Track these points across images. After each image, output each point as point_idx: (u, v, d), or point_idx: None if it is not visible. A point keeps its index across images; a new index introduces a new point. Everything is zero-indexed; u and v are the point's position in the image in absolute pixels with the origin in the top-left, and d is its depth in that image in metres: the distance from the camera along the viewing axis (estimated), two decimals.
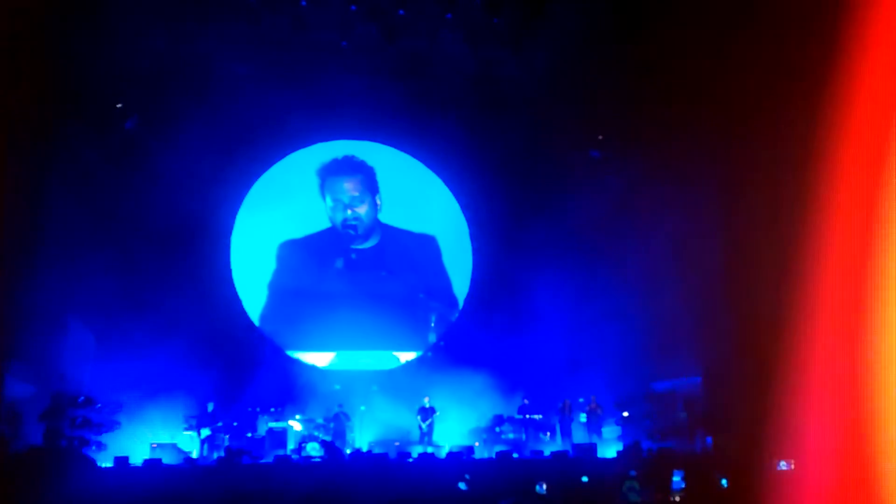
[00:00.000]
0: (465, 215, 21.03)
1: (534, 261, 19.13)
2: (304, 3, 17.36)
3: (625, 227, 18.47)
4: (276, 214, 19.99)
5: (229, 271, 19.59)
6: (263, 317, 19.77)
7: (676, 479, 12.03)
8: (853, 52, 11.94)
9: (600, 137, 19.41)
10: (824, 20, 12.29)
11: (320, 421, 17.06)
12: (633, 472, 12.50)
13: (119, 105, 17.24)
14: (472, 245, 20.97)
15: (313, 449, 15.50)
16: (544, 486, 9.97)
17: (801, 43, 13.18)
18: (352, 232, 20.28)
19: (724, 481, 11.92)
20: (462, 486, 12.71)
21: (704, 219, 16.57)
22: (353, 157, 20.63)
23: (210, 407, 16.25)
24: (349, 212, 20.29)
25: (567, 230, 19.33)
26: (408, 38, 18.44)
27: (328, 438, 16.52)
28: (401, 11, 17.65)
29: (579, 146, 19.47)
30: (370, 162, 20.65)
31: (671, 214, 16.98)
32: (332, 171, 20.46)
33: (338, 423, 16.81)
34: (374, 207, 20.57)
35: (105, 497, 11.82)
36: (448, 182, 21.04)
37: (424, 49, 18.73)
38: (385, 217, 20.73)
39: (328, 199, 20.42)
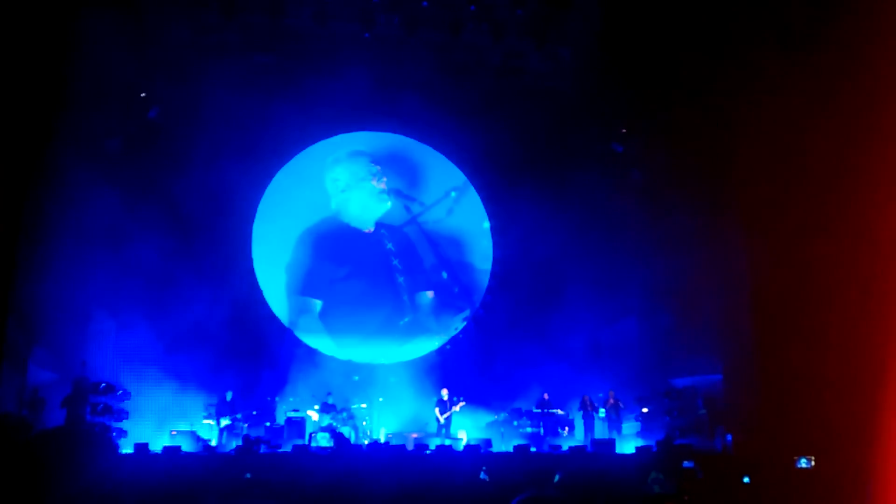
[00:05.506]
0: (487, 209, 20.96)
1: (555, 255, 19.02)
2: None
3: (648, 223, 18.32)
4: (298, 204, 20.05)
5: (250, 261, 19.66)
6: (284, 304, 19.84)
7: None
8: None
9: (624, 131, 19.27)
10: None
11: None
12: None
13: (143, 95, 17.34)
14: (493, 239, 20.90)
15: (324, 439, 15.52)
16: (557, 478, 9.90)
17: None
18: (383, 231, 20.39)
19: (746, 479, 11.80)
20: (483, 475, 12.68)
21: (728, 216, 16.40)
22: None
23: (229, 396, 16.35)
24: (388, 203, 20.57)
25: (590, 225, 19.22)
26: (431, 29, 18.39)
27: (347, 429, 16.57)
28: (424, 3, 17.56)
29: (602, 139, 19.33)
30: (411, 154, 20.94)
31: (695, 211, 16.81)
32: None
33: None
34: (409, 208, 20.79)
35: (124, 483, 11.93)
36: (469, 175, 20.98)
37: (447, 41, 18.66)
38: (417, 210, 20.87)
39: (367, 188, 20.66)
